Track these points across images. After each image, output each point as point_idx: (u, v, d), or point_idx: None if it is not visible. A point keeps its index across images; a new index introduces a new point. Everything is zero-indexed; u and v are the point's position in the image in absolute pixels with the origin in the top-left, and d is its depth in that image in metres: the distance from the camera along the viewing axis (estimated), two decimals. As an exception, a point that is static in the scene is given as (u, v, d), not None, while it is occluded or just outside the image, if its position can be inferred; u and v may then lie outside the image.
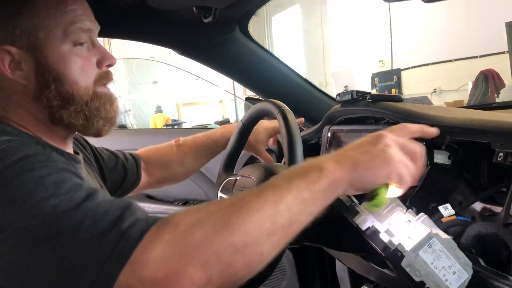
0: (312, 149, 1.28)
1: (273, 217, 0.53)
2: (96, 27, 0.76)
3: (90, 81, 0.74)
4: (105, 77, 0.76)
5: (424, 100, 4.41)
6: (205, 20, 1.00)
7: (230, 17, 1.10)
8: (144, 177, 1.11)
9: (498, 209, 0.86)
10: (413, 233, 0.66)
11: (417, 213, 0.94)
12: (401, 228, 0.67)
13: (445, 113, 0.89)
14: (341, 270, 1.47)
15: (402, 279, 0.66)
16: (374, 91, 7.79)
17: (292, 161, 0.81)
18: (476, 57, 6.37)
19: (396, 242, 0.64)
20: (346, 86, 8.53)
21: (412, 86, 7.47)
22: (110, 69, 0.78)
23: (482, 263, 0.70)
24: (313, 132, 1.28)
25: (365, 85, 8.14)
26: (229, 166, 1.10)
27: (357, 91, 1.04)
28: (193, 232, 0.49)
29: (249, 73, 1.32)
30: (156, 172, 1.15)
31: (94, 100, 0.74)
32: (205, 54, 1.22)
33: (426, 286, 0.64)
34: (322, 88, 1.43)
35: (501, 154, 0.75)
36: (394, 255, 0.64)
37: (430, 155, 0.92)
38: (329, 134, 1.17)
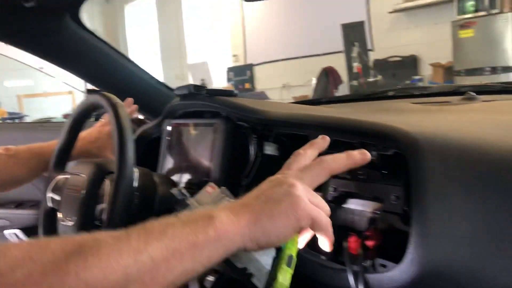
0: (155, 144, 1.26)
1: (128, 268, 0.43)
2: None
3: None
4: None
5: (261, 95, 4.69)
6: (26, 5, 0.91)
7: (56, 3, 1.02)
8: None
9: (318, 194, 0.96)
10: (237, 222, 0.69)
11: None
12: (227, 219, 0.70)
13: (273, 108, 0.95)
14: (188, 262, 1.49)
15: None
16: (229, 85, 8.02)
17: (121, 158, 0.79)
18: (319, 55, 6.93)
19: None
20: (203, 79, 8.61)
21: (263, 81, 7.86)
22: None
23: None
24: (154, 127, 1.26)
25: (221, 79, 8.33)
26: (59, 163, 1.03)
27: (195, 85, 1.05)
28: (14, 269, 0.40)
29: (84, 64, 1.25)
30: None
31: None
32: (31, 42, 1.11)
33: (248, 271, 0.68)
34: (179, 81, 1.42)
35: (318, 145, 0.83)
36: (217, 245, 0.66)
37: (260, 147, 0.98)
38: (169, 128, 1.16)
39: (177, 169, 1.13)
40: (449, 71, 5.18)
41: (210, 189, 0.79)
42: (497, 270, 0.53)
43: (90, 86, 1.44)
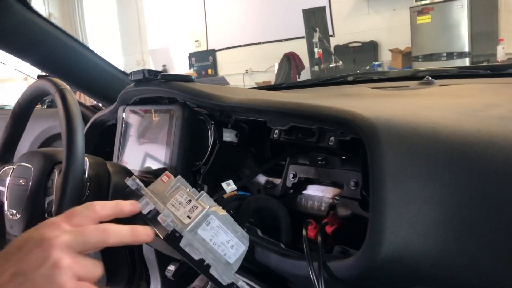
0: (111, 131, 1.21)
1: None
2: None
3: None
4: None
5: (221, 80, 4.62)
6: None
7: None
8: None
9: (278, 181, 0.94)
10: (192, 212, 0.66)
11: (210, 190, 0.97)
12: (182, 208, 0.68)
13: (231, 93, 0.92)
14: (148, 252, 1.45)
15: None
16: (191, 71, 7.90)
17: (70, 146, 0.75)
18: (281, 40, 6.91)
19: (173, 223, 0.64)
20: (164, 65, 8.45)
21: (226, 67, 7.78)
22: None
23: (260, 233, 0.75)
24: (109, 113, 1.21)
25: (183, 65, 8.19)
26: (6, 153, 0.97)
27: (149, 70, 1.01)
28: None
29: (33, 49, 1.17)
30: None
31: None
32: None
33: (206, 262, 0.65)
34: (140, 67, 1.35)
35: (276, 131, 0.81)
36: (172, 237, 0.63)
37: (219, 133, 0.95)
38: (124, 115, 1.12)
39: (134, 158, 1.09)
40: (407, 56, 5.28)
41: (165, 178, 0.76)
42: (454, 253, 0.53)
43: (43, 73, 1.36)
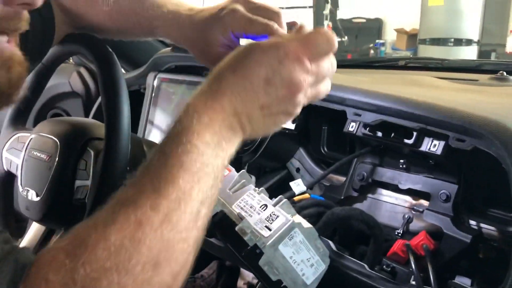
0: (131, 97, 1.06)
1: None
2: None
3: None
4: (8, 19, 0.42)
5: None
6: None
7: None
8: None
9: (337, 178, 0.82)
10: (272, 222, 0.54)
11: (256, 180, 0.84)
12: (256, 215, 0.55)
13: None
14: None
15: (229, 250, 0.55)
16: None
17: (115, 122, 0.61)
18: (282, 8, 6.66)
19: (255, 236, 0.51)
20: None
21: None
22: None
23: (333, 247, 0.63)
24: (134, 78, 1.06)
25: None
26: (19, 117, 0.82)
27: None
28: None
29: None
30: None
31: None
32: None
33: (283, 284, 0.54)
34: None
35: (353, 124, 0.69)
36: (252, 253, 0.51)
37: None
38: (155, 83, 0.97)
39: (163, 133, 0.95)
40: (413, 38, 5.13)
41: (225, 171, 0.63)
42: None
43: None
